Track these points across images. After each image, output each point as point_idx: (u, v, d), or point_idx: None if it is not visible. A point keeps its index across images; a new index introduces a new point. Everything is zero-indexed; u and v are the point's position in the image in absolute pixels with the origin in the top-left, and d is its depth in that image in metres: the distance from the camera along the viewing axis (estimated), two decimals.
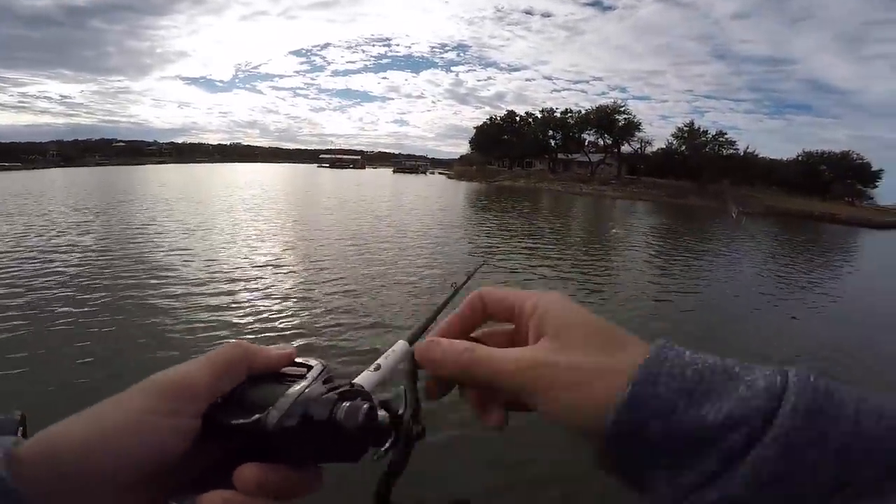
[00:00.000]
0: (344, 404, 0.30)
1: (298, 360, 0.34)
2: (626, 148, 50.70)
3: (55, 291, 6.23)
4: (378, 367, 0.39)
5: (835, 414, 0.21)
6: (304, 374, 0.32)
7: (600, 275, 9.18)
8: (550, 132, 55.50)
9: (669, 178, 46.91)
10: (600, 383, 0.25)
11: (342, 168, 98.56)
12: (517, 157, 62.14)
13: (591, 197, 38.10)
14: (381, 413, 0.32)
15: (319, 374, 0.33)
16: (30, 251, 8.68)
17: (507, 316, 0.33)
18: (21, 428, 0.40)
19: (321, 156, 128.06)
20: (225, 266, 7.95)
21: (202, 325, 5.18)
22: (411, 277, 7.80)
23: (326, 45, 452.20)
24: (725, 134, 47.55)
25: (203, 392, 0.28)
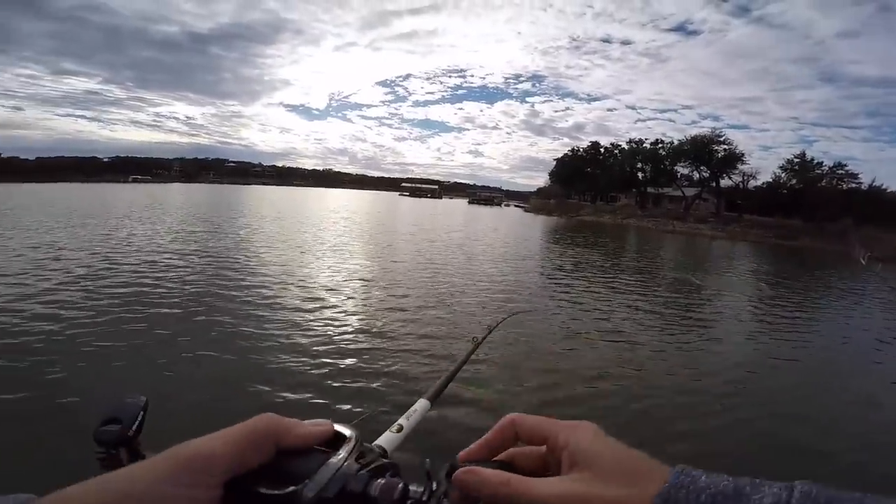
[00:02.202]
0: (379, 481, 0.31)
1: (336, 427, 0.35)
2: (725, 182, 46.70)
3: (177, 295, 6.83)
4: (400, 428, 0.40)
5: None
6: (339, 447, 0.33)
7: (689, 329, 8.01)
8: (639, 164, 52.97)
9: (777, 216, 42.15)
10: None
11: (421, 197, 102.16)
12: (601, 190, 59.90)
13: (684, 235, 35.36)
14: (413, 489, 0.33)
15: (354, 447, 0.33)
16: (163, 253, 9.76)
17: (540, 442, 0.35)
18: (142, 413, 0.42)
19: (402, 184, 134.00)
20: (304, 283, 8.45)
21: (264, 338, 5.37)
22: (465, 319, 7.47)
23: (408, 76, 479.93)
24: (846, 165, 42.25)
25: (226, 463, 0.28)
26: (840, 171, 41.75)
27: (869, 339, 8.23)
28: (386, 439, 0.42)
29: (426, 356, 5.28)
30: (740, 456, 3.76)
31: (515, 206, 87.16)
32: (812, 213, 37.89)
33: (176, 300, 6.81)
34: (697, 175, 47.94)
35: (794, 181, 43.12)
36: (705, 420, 4.28)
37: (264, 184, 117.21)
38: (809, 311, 10.49)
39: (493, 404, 3.94)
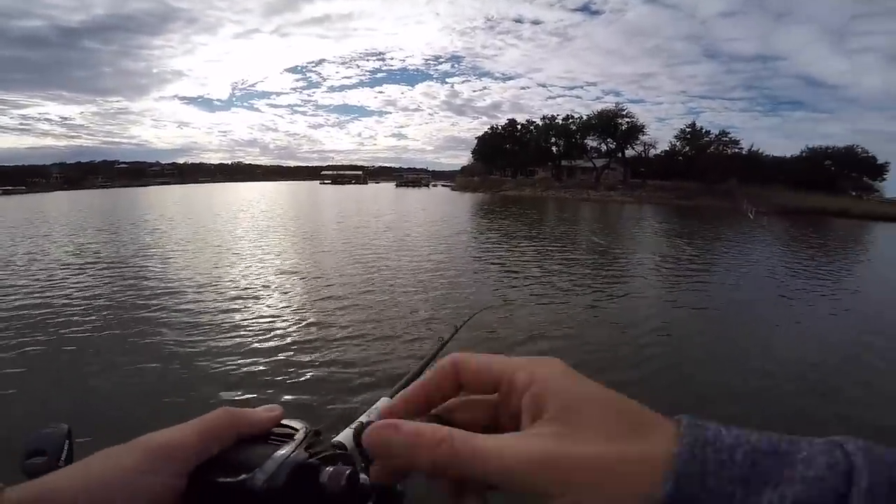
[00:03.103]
0: (328, 468, 0.31)
1: (285, 421, 0.35)
2: (629, 152, 50.58)
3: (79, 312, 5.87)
4: (360, 424, 0.40)
5: None
6: (292, 437, 0.33)
7: (617, 280, 8.78)
8: (553, 139, 55.46)
9: (675, 180, 46.63)
10: (633, 478, 0.20)
11: (345, 184, 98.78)
12: (520, 165, 62.02)
13: (598, 203, 37.78)
14: (364, 476, 0.33)
15: (305, 437, 0.34)
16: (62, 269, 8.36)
17: (490, 388, 0.27)
18: (68, 441, 0.41)
19: (323, 172, 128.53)
20: (229, 285, 7.77)
21: (201, 341, 4.99)
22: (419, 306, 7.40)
23: (321, 62, 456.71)
24: (729, 133, 47.55)
25: (189, 453, 0.29)
26: (725, 139, 47.03)
27: (761, 280, 9.31)
28: (345, 435, 0.43)
29: (371, 347, 5.03)
30: (665, 398, 4.03)
31: (442, 185, 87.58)
32: (704, 175, 42.25)
33: (84, 317, 6.00)
34: (605, 147, 51.37)
35: (687, 148, 47.73)
36: (631, 370, 4.62)
37: (164, 183, 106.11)
38: (710, 260, 11.67)
39: None
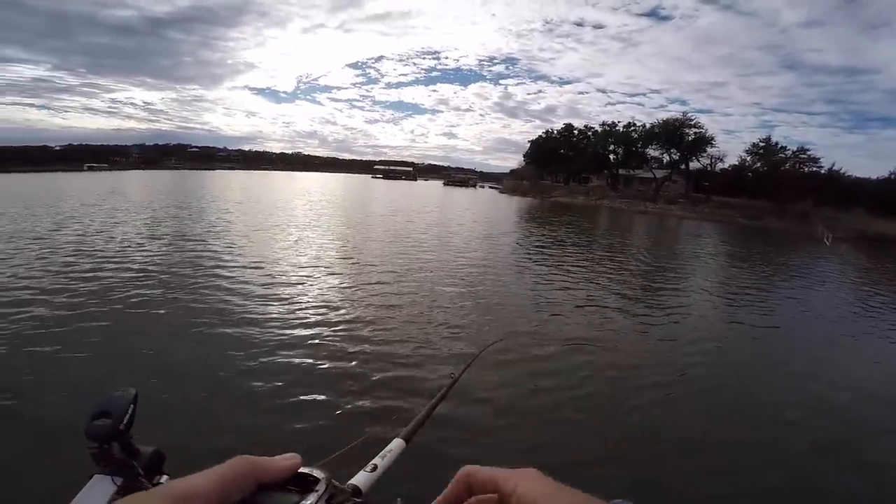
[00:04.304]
0: None
1: (303, 469, 0.36)
2: (693, 164, 47.71)
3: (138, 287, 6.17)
4: (374, 468, 0.40)
5: None
6: (311, 486, 0.35)
7: (664, 303, 8.17)
8: (611, 146, 53.41)
9: (742, 197, 43.47)
10: None
11: (395, 179, 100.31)
12: (574, 172, 60.27)
13: (656, 216, 35.96)
14: None
15: (326, 488, 0.35)
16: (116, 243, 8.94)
17: (492, 491, 0.35)
18: (132, 406, 0.43)
19: (375, 167, 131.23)
20: (274, 275, 7.88)
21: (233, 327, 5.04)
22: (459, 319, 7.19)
23: (380, 58, 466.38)
24: (808, 150, 43.78)
25: (210, 501, 0.29)
26: (802, 156, 43.19)
27: (829, 314, 8.36)
28: (360, 479, 0.43)
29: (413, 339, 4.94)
30: (702, 423, 3.90)
31: (490, 187, 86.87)
32: (776, 194, 39.10)
33: (150, 292, 6.35)
34: (668, 157, 48.72)
35: (759, 164, 44.35)
36: (670, 388, 4.52)
37: (230, 168, 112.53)
38: (776, 288, 10.62)
39: (474, 428, 3.56)
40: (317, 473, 0.36)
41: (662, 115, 50.98)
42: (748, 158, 45.68)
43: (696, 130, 45.84)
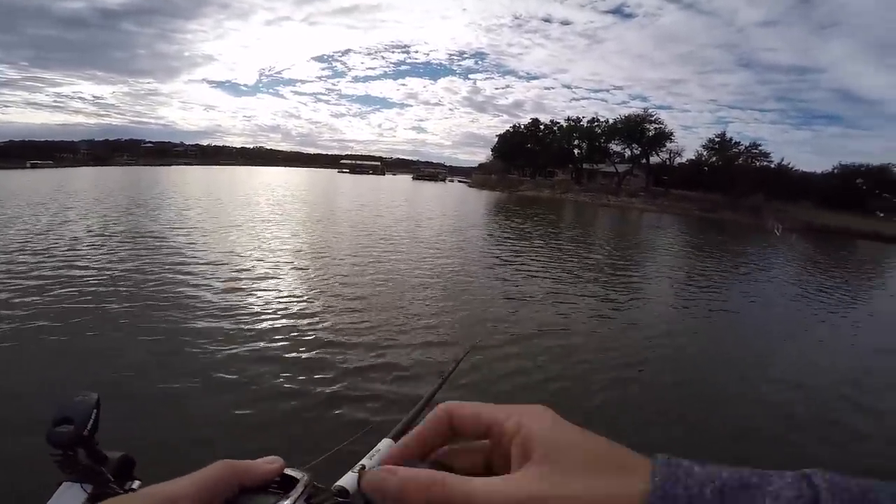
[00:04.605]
0: None
1: (287, 471, 0.35)
2: (654, 159, 49.46)
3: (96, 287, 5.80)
4: (363, 468, 0.40)
5: None
6: (292, 488, 0.34)
7: (627, 290, 8.50)
8: (576, 141, 54.59)
9: (699, 190, 45.46)
10: None
11: (362, 174, 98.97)
12: (540, 166, 61.29)
13: (618, 209, 37.06)
14: None
15: (305, 487, 0.34)
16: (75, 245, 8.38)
17: (481, 434, 0.29)
18: (95, 410, 0.42)
19: (342, 161, 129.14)
20: (234, 273, 7.63)
21: (203, 324, 4.90)
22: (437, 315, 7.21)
23: (347, 52, 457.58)
24: (759, 145, 46.15)
25: None
26: (755, 150, 45.54)
27: (777, 300, 8.88)
28: (347, 479, 0.43)
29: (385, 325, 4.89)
30: (656, 403, 4.03)
31: (459, 181, 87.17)
32: (730, 188, 41.09)
33: (105, 291, 5.98)
34: (629, 152, 50.30)
35: (714, 159, 46.43)
36: (633, 369, 4.68)
37: (187, 164, 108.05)
38: (732, 276, 11.18)
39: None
40: (297, 474, 0.36)
41: (625, 111, 52.66)
42: (704, 153, 47.86)
43: (657, 126, 47.63)
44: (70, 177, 37.71)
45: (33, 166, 63.14)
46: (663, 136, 47.46)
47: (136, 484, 0.46)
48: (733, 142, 46.46)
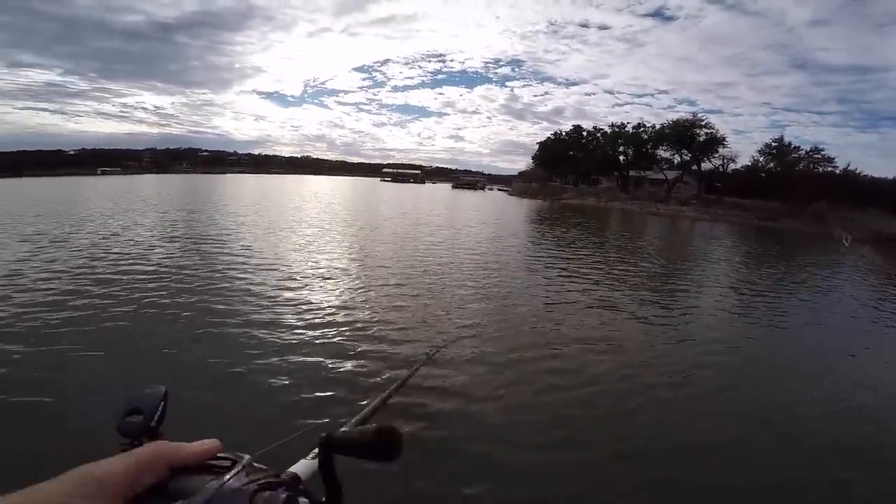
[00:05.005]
0: (263, 494, 0.32)
1: (224, 454, 0.36)
2: (705, 165, 47.14)
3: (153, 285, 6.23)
4: (315, 456, 0.39)
5: None
6: (230, 467, 0.34)
7: (677, 301, 8.02)
8: (621, 147, 53.04)
9: (755, 198, 42.77)
10: None
11: (404, 182, 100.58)
12: (583, 173, 59.95)
13: (668, 217, 35.59)
14: (303, 500, 0.34)
15: (244, 466, 0.35)
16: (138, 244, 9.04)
17: None
18: (163, 403, 0.43)
19: (383, 170, 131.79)
20: (287, 274, 7.94)
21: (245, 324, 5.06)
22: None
23: (386, 62, 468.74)
24: (822, 149, 43.05)
25: (122, 484, 0.30)
26: (817, 156, 42.50)
27: (851, 316, 8.13)
28: (301, 467, 0.43)
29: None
30: (702, 426, 3.75)
31: (499, 189, 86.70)
32: (790, 195, 38.45)
33: (167, 292, 6.39)
34: (678, 158, 48.22)
35: (772, 164, 43.71)
36: (680, 388, 4.39)
37: (240, 172, 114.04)
38: (796, 291, 10.38)
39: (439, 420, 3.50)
40: (234, 455, 0.36)
41: (671, 116, 50.64)
42: (761, 159, 45.12)
43: (708, 131, 45.39)
44: (136, 183, 40.73)
45: (103, 173, 69.04)
46: (715, 142, 45.17)
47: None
48: (792, 146, 43.58)
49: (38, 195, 24.75)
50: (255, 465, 0.37)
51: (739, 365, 5.23)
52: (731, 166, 46.93)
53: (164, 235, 11.33)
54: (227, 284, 6.88)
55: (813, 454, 3.44)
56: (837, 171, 42.48)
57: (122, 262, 8.07)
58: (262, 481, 0.34)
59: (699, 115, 48.42)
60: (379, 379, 4.05)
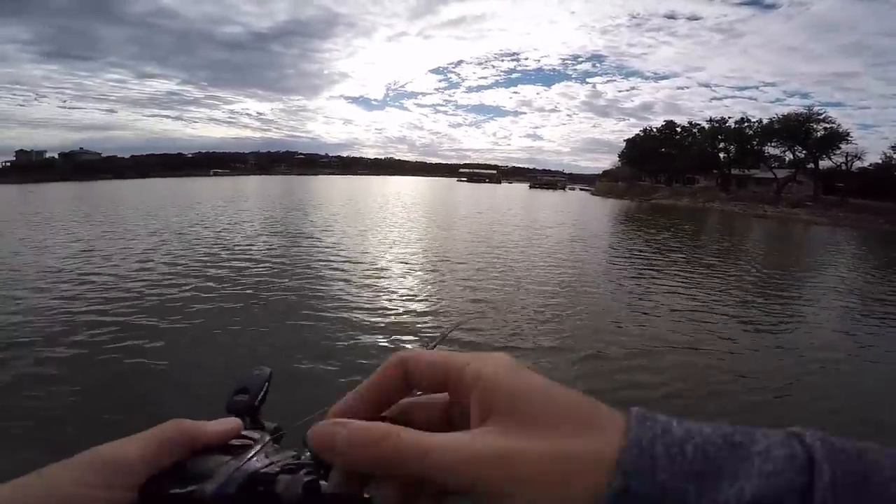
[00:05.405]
0: (284, 476, 0.30)
1: (247, 433, 0.35)
2: (824, 163, 41.43)
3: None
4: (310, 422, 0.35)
5: (878, 479, 0.17)
6: (251, 446, 0.33)
7: (782, 322, 7.14)
8: (721, 144, 48.50)
9: (887, 200, 36.68)
10: (581, 475, 0.19)
11: (479, 182, 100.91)
12: (677, 172, 55.68)
13: (777, 221, 31.90)
14: (325, 483, 0.31)
15: (262, 447, 0.33)
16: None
17: (439, 386, 0.25)
18: (267, 384, 0.45)
19: (460, 170, 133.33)
20: (371, 268, 8.48)
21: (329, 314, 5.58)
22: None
23: (459, 63, 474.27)
24: None
25: (137, 466, 0.28)
26: None
27: None
28: None
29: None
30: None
31: (580, 189, 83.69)
32: None
33: (270, 281, 7.20)
34: (791, 155, 42.96)
35: None
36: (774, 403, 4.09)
37: (331, 173, 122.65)
38: None
39: None
40: (257, 435, 0.35)
41: (781, 110, 45.06)
42: (894, 156, 38.66)
43: (827, 125, 39.80)
44: (243, 184, 45.54)
45: (215, 174, 78.72)
46: (837, 137, 39.40)
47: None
48: None
49: (165, 195, 28.60)
50: (276, 445, 0.36)
51: (842, 385, 4.67)
52: (857, 164, 40.84)
53: (269, 230, 12.63)
54: (317, 279, 7.52)
55: None
56: None
57: (236, 253, 9.18)
58: (283, 463, 0.33)
59: (815, 108, 42.43)
60: None
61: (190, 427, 0.32)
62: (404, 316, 5.76)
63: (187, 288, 6.59)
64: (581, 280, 8.46)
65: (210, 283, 6.83)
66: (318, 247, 10.26)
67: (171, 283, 6.86)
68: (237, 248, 9.80)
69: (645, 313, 6.70)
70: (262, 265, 8.21)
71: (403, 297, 6.52)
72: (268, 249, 9.70)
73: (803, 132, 40.02)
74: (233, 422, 0.35)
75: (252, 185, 42.97)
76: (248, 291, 6.51)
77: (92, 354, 4.31)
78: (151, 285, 6.71)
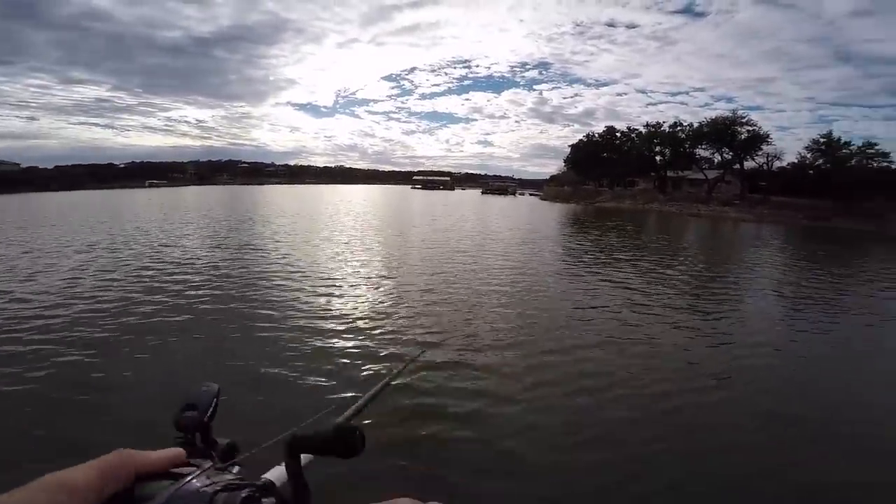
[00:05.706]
0: (222, 494, 0.33)
1: (191, 460, 0.37)
2: (748, 164, 44.97)
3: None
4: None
5: None
6: (194, 472, 0.35)
7: (718, 311, 7.58)
8: (657, 148, 51.47)
9: (804, 197, 40.30)
10: None
11: (433, 189, 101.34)
12: (618, 175, 58.45)
13: (710, 219, 34.16)
14: (268, 501, 0.35)
15: (205, 470, 0.36)
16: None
17: None
18: (215, 399, 0.45)
19: (414, 177, 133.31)
20: (320, 281, 8.16)
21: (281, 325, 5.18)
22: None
23: (413, 70, 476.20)
24: (875, 144, 40.12)
25: (86, 492, 0.30)
26: (870, 150, 39.72)
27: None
28: (275, 473, 0.44)
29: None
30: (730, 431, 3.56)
31: (530, 194, 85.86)
32: (844, 192, 36.06)
33: (215, 296, 6.75)
34: (719, 157, 46.30)
35: (821, 161, 41.23)
36: (715, 392, 4.22)
37: (277, 183, 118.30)
38: (852, 294, 9.66)
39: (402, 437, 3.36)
40: (199, 462, 0.37)
41: (709, 114, 48.65)
42: (808, 156, 42.61)
43: (749, 128, 43.40)
44: (181, 195, 42.93)
45: (150, 185, 73.30)
46: (758, 139, 43.06)
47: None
48: (842, 142, 40.94)
49: (96, 211, 26.42)
50: (217, 467, 0.38)
51: (777, 368, 4.94)
52: (776, 164, 44.70)
53: (210, 245, 11.84)
54: (267, 291, 7.10)
55: (848, 456, 3.24)
56: (894, 167, 39.57)
57: (174, 271, 8.47)
58: (224, 483, 0.34)
59: (739, 112, 46.20)
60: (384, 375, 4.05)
61: (133, 456, 0.34)
62: (359, 322, 5.52)
63: (119, 305, 6.00)
64: (533, 281, 8.56)
65: (148, 299, 6.24)
66: (262, 261, 9.72)
67: (103, 307, 6.19)
68: (176, 262, 9.07)
69: (593, 307, 6.90)
70: (204, 282, 7.62)
71: (357, 311, 6.23)
72: (208, 265, 9.05)
73: (729, 135, 43.34)
74: (175, 451, 0.37)
75: (192, 197, 40.54)
76: (187, 312, 5.97)
77: (16, 381, 3.78)
78: (83, 304, 6.09)
